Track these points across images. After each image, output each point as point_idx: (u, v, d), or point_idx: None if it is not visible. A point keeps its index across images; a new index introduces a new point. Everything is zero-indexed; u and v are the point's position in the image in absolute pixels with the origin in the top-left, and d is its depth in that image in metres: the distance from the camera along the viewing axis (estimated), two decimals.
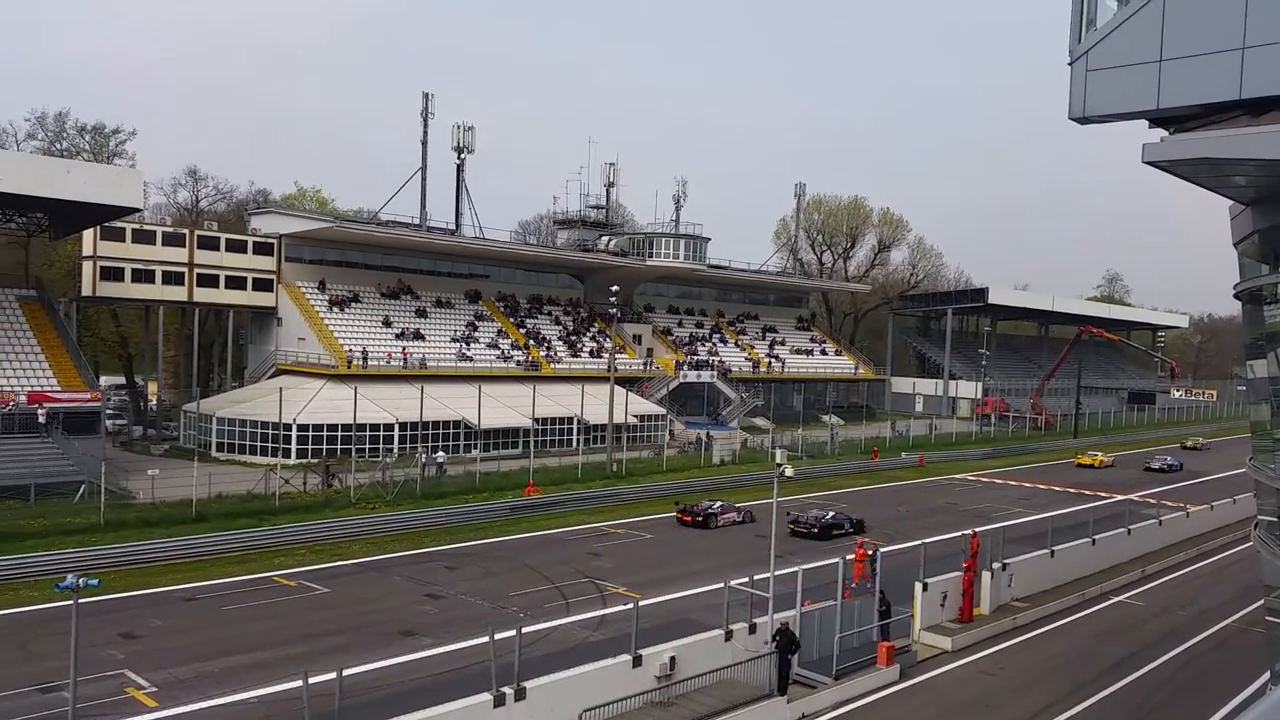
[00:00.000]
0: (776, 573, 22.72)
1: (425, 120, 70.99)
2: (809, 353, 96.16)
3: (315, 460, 48.23)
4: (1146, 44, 11.57)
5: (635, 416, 65.04)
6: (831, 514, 41.33)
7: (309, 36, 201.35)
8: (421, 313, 69.68)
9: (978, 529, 31.98)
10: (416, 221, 71.34)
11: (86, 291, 57.57)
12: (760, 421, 79.45)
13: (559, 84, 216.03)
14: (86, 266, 57.41)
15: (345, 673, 16.49)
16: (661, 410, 69.35)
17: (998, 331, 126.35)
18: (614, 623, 26.27)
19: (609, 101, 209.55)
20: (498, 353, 68.93)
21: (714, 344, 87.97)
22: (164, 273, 59.08)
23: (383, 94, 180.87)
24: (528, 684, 17.99)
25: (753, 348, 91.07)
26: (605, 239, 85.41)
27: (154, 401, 65.93)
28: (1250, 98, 10.87)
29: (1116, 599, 32.58)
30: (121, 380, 71.22)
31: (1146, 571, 36.09)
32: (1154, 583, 35.22)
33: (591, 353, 75.31)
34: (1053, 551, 32.52)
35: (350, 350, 60.57)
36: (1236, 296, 17.44)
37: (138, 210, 48.85)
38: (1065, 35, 12.52)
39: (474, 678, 19.75)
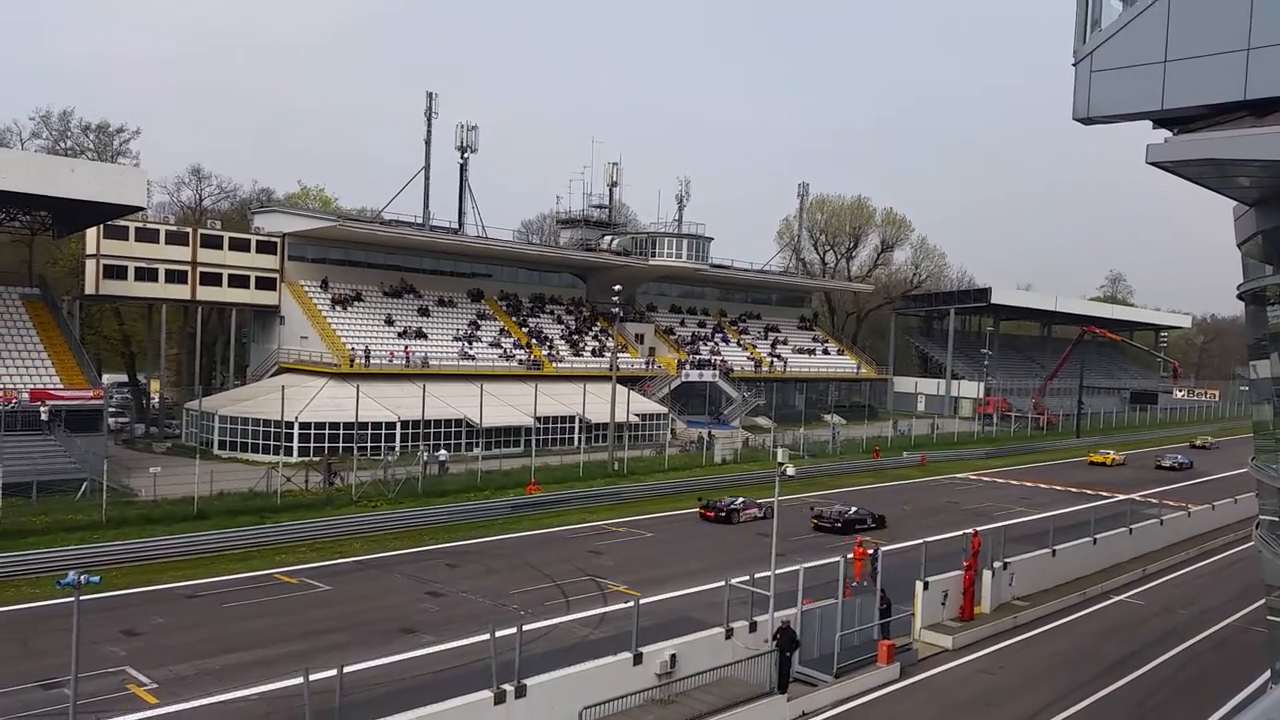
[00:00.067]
0: (778, 571, 22.72)
1: (429, 119, 71.06)
2: (811, 352, 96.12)
3: (317, 458, 48.31)
4: (1151, 45, 11.56)
5: (637, 415, 65.04)
6: (854, 509, 42.35)
7: (309, 36, 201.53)
8: (424, 311, 69.72)
9: (979, 528, 32.01)
10: (419, 221, 71.39)
11: (90, 290, 57.63)
12: (762, 421, 79.43)
13: (559, 84, 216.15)
14: (90, 265, 57.47)
15: (346, 670, 16.52)
16: (663, 409, 69.35)
17: (1000, 331, 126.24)
18: (614, 621, 26.28)
19: (609, 101, 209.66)
20: (500, 352, 68.95)
21: (716, 343, 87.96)
22: (167, 271, 59.16)
23: (383, 94, 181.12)
24: (528, 681, 18.01)
25: (755, 347, 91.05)
26: (608, 238, 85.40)
27: (156, 399, 66.00)
28: (1255, 99, 10.86)
29: (1117, 598, 32.58)
30: (124, 378, 71.29)
31: (1148, 571, 36.08)
32: (1155, 582, 35.21)
33: (594, 352, 75.33)
34: (1054, 550, 32.54)
35: (353, 349, 60.63)
36: (1240, 297, 17.45)
37: (141, 209, 48.94)
38: (1067, 35, 12.51)
39: (474, 675, 19.76)
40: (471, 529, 39.14)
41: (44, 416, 43.15)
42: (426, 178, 71.56)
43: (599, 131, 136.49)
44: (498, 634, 17.63)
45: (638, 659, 19.94)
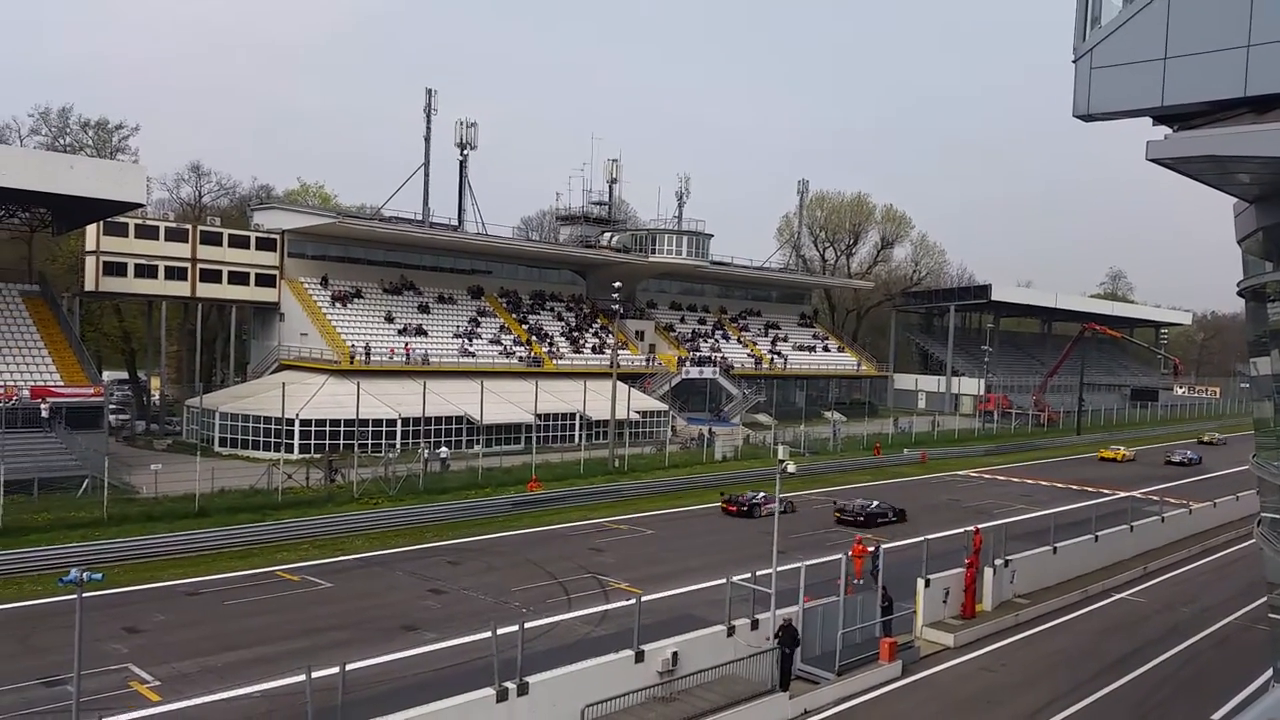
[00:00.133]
0: (780, 569, 22.73)
1: (428, 116, 70.98)
2: (811, 349, 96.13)
3: (318, 455, 48.30)
4: (1151, 41, 11.56)
5: (637, 412, 65.05)
6: (875, 503, 43.42)
7: (309, 36, 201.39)
8: (424, 308, 69.72)
9: (980, 525, 32.03)
10: (419, 217, 71.35)
11: (90, 286, 57.65)
12: (762, 418, 79.43)
13: (559, 84, 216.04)
14: (90, 261, 57.48)
15: (348, 667, 16.52)
16: (664, 406, 69.36)
17: (1000, 328, 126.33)
18: (616, 618, 26.27)
19: (609, 101, 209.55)
20: (500, 349, 68.96)
21: (716, 340, 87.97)
22: (167, 268, 59.17)
23: (383, 94, 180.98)
24: (530, 679, 18.02)
25: (755, 344, 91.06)
26: (608, 235, 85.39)
27: (157, 396, 66.02)
28: (1255, 95, 10.87)
29: (1119, 596, 32.59)
30: (124, 375, 71.34)
31: (1149, 568, 36.07)
32: (1156, 580, 35.21)
33: (594, 349, 75.33)
34: (1055, 548, 32.54)
35: (353, 346, 60.64)
36: (1240, 294, 17.44)
37: (141, 205, 48.93)
38: (1066, 35, 12.51)
39: (476, 672, 19.78)
40: (473, 526, 39.15)
41: (45, 414, 43.16)
42: (426, 174, 71.57)
43: (598, 132, 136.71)
44: (499, 631, 17.64)
45: (639, 657, 19.95)
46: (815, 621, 23.13)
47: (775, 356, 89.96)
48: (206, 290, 61.11)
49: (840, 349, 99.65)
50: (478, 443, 54.79)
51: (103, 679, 21.00)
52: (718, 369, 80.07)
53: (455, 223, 74.30)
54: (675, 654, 20.51)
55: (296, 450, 50.86)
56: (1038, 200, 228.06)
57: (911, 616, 26.57)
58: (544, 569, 32.48)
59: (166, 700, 20.35)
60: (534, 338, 72.60)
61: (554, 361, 70.58)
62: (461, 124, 73.50)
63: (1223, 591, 33.48)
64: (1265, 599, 25.62)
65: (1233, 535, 42.41)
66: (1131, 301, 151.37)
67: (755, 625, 22.40)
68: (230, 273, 61.69)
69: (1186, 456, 70.76)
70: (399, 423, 54.58)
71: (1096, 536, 34.76)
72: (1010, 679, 24.17)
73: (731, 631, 21.96)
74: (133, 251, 57.71)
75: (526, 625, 19.06)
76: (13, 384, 43.67)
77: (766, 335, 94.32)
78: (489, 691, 17.48)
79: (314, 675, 15.95)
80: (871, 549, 31.47)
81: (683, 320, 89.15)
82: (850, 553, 28.23)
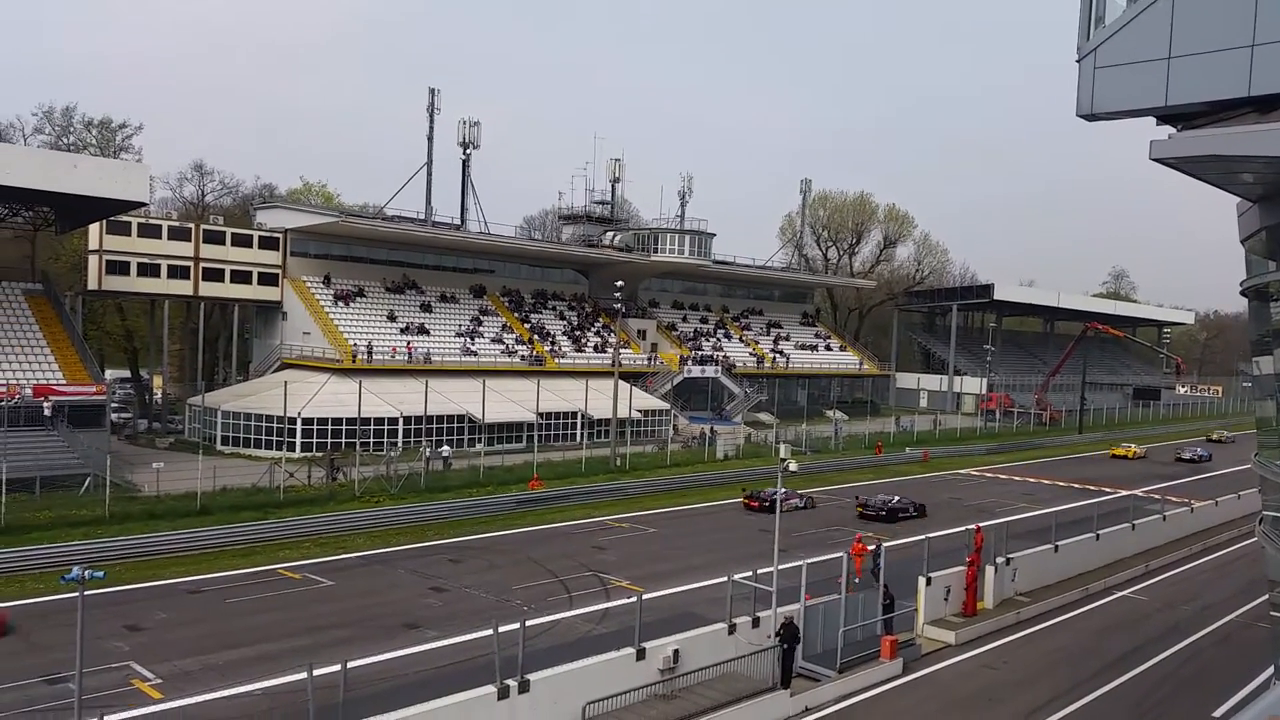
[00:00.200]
0: (781, 567, 22.74)
1: (431, 115, 70.94)
2: (813, 348, 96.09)
3: (320, 454, 48.37)
4: (1155, 41, 11.55)
5: (639, 411, 65.05)
6: (897, 499, 44.80)
7: (309, 36, 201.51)
8: (426, 307, 69.75)
9: (981, 523, 32.03)
10: (421, 217, 71.34)
11: (92, 285, 57.73)
12: (764, 417, 79.44)
13: (560, 84, 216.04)
14: (92, 260, 57.57)
15: (349, 665, 16.54)
16: (665, 405, 69.36)
17: (1003, 328, 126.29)
18: (617, 616, 26.30)
19: (610, 101, 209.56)
20: (502, 347, 68.98)
21: (718, 339, 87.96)
22: (169, 267, 59.24)
23: (384, 94, 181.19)
24: (531, 677, 18.05)
25: (757, 343, 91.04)
26: (610, 234, 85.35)
27: (159, 395, 66.09)
28: (1259, 95, 10.85)
29: (1120, 594, 32.59)
30: (127, 374, 71.41)
31: (1150, 566, 36.08)
32: (1157, 578, 35.22)
33: (596, 348, 75.34)
34: (1056, 546, 32.55)
35: (355, 344, 60.68)
36: (1243, 293, 17.40)
37: (144, 205, 49.00)
38: (1067, 35, 12.51)
39: (478, 670, 19.82)
40: (474, 524, 39.18)
41: (47, 412, 43.22)
42: (429, 174, 71.53)
43: (600, 131, 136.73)
44: (501, 629, 17.66)
45: (641, 654, 19.97)
46: (816, 619, 23.15)
47: (777, 355, 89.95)
48: (209, 289, 61.15)
49: (842, 348, 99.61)
50: (479, 441, 54.81)
51: (104, 677, 21.03)
52: (719, 368, 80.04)
53: (458, 222, 74.30)
54: (676, 652, 20.53)
55: (298, 449, 50.90)
56: (1039, 199, 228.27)
57: (913, 614, 26.59)
58: (545, 567, 32.51)
59: (168, 698, 20.38)
60: (536, 337, 72.61)
61: (556, 360, 70.59)
62: (464, 123, 73.46)
63: (1224, 590, 33.48)
64: (1266, 597, 25.62)
65: (1234, 534, 42.40)
66: (1134, 301, 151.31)
67: (756, 623, 22.43)
68: (233, 271, 61.74)
69: (1197, 453, 71.57)
70: (401, 421, 54.61)
71: (1098, 535, 34.78)
72: (1011, 676, 24.18)
73: (733, 629, 21.98)
74: (136, 250, 57.78)
75: (528, 623, 19.07)
76: (15, 382, 43.73)
77: (769, 334, 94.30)
78: (490, 689, 17.50)
79: (315, 673, 15.97)
80: (872, 547, 31.48)
81: (685, 319, 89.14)
82: (850, 551, 28.21)
